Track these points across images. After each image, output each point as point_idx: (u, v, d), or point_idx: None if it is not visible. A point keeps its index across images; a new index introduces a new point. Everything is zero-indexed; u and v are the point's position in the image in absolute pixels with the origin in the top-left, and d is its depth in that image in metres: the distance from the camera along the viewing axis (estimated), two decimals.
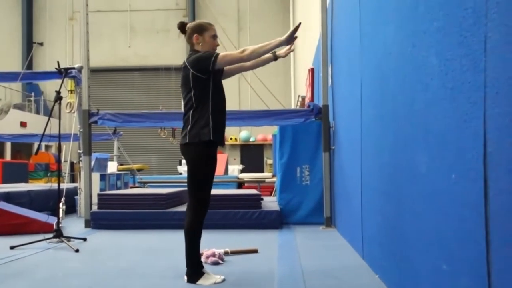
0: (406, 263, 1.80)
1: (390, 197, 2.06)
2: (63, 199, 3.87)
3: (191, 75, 2.24)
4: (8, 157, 11.47)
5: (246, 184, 8.59)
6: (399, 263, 1.92)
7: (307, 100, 6.04)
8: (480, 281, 1.13)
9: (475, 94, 1.17)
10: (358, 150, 2.85)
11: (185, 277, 2.26)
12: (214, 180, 2.38)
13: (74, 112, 5.04)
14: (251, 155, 13.36)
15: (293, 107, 10.11)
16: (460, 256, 1.27)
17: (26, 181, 8.61)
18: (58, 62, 4.39)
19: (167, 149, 12.80)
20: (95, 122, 4.59)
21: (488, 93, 1.10)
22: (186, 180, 2.31)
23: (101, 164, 6.60)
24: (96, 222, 4.30)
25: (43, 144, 10.44)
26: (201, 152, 2.22)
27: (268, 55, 2.41)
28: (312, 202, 4.46)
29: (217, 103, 2.28)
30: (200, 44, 2.32)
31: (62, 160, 7.08)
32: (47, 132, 3.45)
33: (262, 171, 12.00)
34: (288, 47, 2.39)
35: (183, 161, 10.30)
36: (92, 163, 5.31)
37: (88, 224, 4.34)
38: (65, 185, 4.84)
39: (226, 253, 2.83)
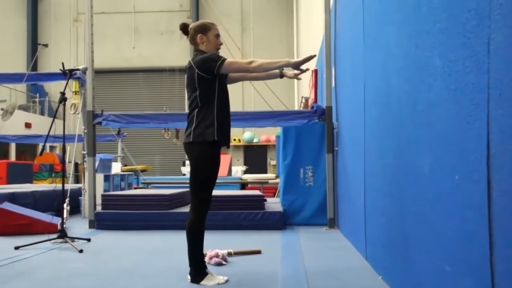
0: (409, 264, 1.80)
1: (393, 198, 2.06)
2: (67, 200, 3.89)
3: (197, 75, 2.25)
4: (12, 157, 11.55)
5: (249, 185, 8.59)
6: (402, 264, 1.91)
7: (310, 101, 6.04)
8: (483, 282, 1.12)
9: (478, 95, 1.17)
10: (361, 151, 2.85)
11: (189, 278, 2.27)
12: (218, 181, 2.38)
13: (78, 113, 5.07)
14: (255, 156, 13.37)
15: (296, 108, 10.10)
16: (463, 257, 1.26)
17: (31, 182, 8.66)
18: (62, 63, 4.42)
19: (171, 150, 12.83)
20: (99, 123, 4.62)
21: (491, 95, 1.10)
22: (189, 181, 2.32)
23: (105, 165, 6.63)
24: (100, 222, 4.32)
25: (48, 145, 10.51)
26: (205, 151, 2.23)
27: (275, 71, 2.43)
28: (315, 203, 4.45)
29: (222, 104, 2.29)
30: (205, 43, 2.33)
31: (67, 161, 7.12)
32: (51, 133, 3.47)
33: (265, 172, 12.00)
34: (296, 72, 2.41)
35: (187, 162, 10.32)
36: (96, 164, 5.34)
37: (92, 224, 4.36)
38: (69, 185, 4.87)
39: (229, 254, 2.84)
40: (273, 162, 11.74)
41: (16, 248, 3.21)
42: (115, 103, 13.03)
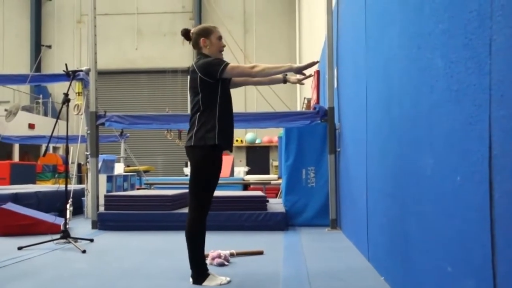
0: (411, 265, 1.80)
1: (395, 199, 2.06)
2: (70, 200, 3.91)
3: (199, 79, 2.26)
4: (16, 158, 11.61)
5: (251, 186, 8.60)
6: (404, 265, 1.91)
7: (312, 102, 6.04)
8: (485, 283, 1.12)
9: (480, 96, 1.17)
10: (363, 152, 2.85)
11: (191, 279, 2.27)
12: (220, 181, 2.39)
13: (81, 114, 5.09)
14: (257, 157, 13.37)
15: (299, 109, 10.10)
16: (465, 258, 1.26)
17: (34, 182, 8.70)
18: (66, 64, 4.45)
19: (173, 151, 12.86)
20: (102, 124, 4.64)
21: (493, 96, 1.10)
22: (189, 183, 2.33)
23: (108, 166, 6.66)
24: (102, 223, 4.34)
25: (51, 145, 10.56)
26: (206, 155, 2.24)
27: (279, 76, 2.44)
28: (317, 204, 4.45)
29: (224, 108, 2.29)
30: (208, 47, 2.34)
31: (70, 161, 7.15)
32: (55, 134, 3.49)
33: (267, 173, 12.00)
34: (299, 77, 2.41)
35: (189, 164, 10.32)
36: (99, 164, 5.36)
37: (95, 225, 4.38)
38: (72, 186, 4.89)
39: (231, 255, 2.84)
40: (276, 163, 11.74)
41: (19, 248, 3.23)
42: (118, 104, 13.07)
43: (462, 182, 1.28)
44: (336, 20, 4.25)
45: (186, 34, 2.41)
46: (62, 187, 4.02)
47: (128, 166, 9.28)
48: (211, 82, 2.26)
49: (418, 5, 1.70)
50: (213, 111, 2.25)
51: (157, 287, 2.28)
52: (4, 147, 11.25)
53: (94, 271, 2.61)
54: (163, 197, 4.45)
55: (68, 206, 3.81)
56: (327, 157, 4.36)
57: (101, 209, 4.52)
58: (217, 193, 2.39)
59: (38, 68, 13.16)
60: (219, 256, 2.69)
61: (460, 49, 1.29)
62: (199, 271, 2.25)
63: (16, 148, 11.83)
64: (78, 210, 5.41)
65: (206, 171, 2.25)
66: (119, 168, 7.83)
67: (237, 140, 13.11)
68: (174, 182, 8.58)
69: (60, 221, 3.88)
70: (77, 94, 5.00)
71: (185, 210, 4.51)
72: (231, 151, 2.42)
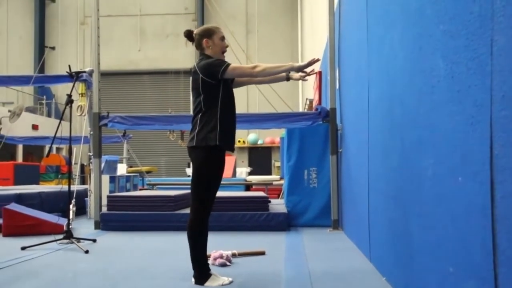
0: (413, 265, 1.80)
1: (397, 200, 2.06)
2: (73, 201, 3.93)
3: (201, 80, 2.27)
4: (20, 159, 11.67)
5: (254, 187, 8.60)
6: (406, 266, 1.91)
7: (314, 103, 6.04)
8: (486, 284, 1.12)
9: (481, 97, 1.17)
10: (365, 152, 2.85)
11: (193, 279, 2.28)
12: (222, 182, 2.39)
13: (84, 115, 5.12)
14: (259, 158, 13.37)
15: (300, 110, 10.10)
16: (466, 258, 1.26)
17: (37, 183, 8.74)
18: (69, 66, 4.47)
19: (176, 151, 12.88)
20: (105, 125, 4.66)
21: (494, 96, 1.10)
22: (190, 183, 2.33)
23: (111, 166, 6.68)
24: (105, 223, 4.35)
25: (54, 146, 10.59)
26: (208, 156, 2.24)
27: (281, 74, 2.45)
28: (319, 204, 4.45)
29: (226, 108, 2.30)
30: (210, 47, 2.35)
31: (73, 162, 7.18)
32: (58, 134, 3.51)
33: (270, 174, 12.01)
34: (302, 74, 2.43)
35: (191, 164, 10.34)
36: (102, 165, 5.39)
37: (97, 225, 4.39)
38: (76, 187, 4.92)
39: (233, 255, 2.85)
40: (278, 164, 11.74)
41: (23, 248, 3.25)
42: (121, 105, 13.12)
43: (463, 182, 1.29)
44: (338, 21, 4.26)
45: (189, 35, 2.42)
46: (65, 187, 4.04)
47: (131, 167, 9.31)
48: (213, 83, 2.27)
49: (419, 7, 1.71)
50: (214, 112, 2.26)
51: (159, 287, 2.28)
52: (8, 148, 11.30)
53: (97, 271, 2.62)
54: (165, 198, 4.46)
55: (71, 206, 3.83)
56: (329, 158, 4.37)
57: (104, 209, 4.54)
58: (220, 193, 2.39)
59: (41, 70, 13.24)
60: (221, 257, 2.70)
61: (462, 50, 1.30)
62: (201, 271, 2.25)
63: (20, 149, 11.89)
64: (81, 211, 5.43)
65: (207, 171, 2.26)
66: (122, 169, 7.86)
67: (239, 141, 13.13)
68: (177, 182, 8.60)
69: (63, 221, 3.90)
70: (80, 95, 5.03)
71: (188, 210, 4.53)
72: (232, 151, 2.42)
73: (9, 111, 8.98)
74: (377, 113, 2.54)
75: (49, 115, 13.61)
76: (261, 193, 5.04)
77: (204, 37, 2.36)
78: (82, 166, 10.28)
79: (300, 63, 2.30)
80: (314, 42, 7.86)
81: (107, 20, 12.78)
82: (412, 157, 1.82)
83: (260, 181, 8.67)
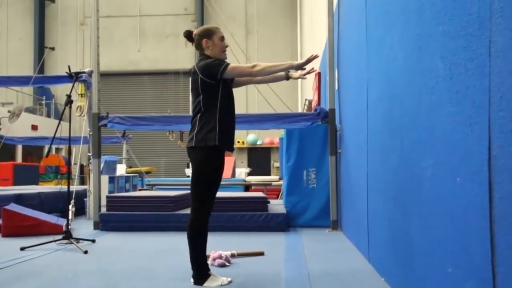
0: (412, 266, 1.80)
1: (396, 200, 2.06)
2: (72, 201, 3.93)
3: (200, 80, 2.28)
4: (19, 159, 11.66)
5: (253, 187, 8.61)
6: (404, 266, 1.91)
7: (313, 104, 6.05)
8: (485, 284, 1.13)
9: (479, 98, 1.18)
10: (364, 153, 2.86)
11: (192, 279, 2.28)
12: (221, 182, 2.39)
13: (84, 116, 5.12)
14: (258, 158, 13.38)
15: (300, 110, 10.11)
16: (465, 259, 1.27)
17: (37, 183, 8.74)
18: (69, 66, 4.48)
19: (175, 152, 12.88)
20: (105, 125, 4.66)
21: (492, 97, 1.11)
22: (190, 183, 2.34)
23: (110, 167, 6.68)
24: (104, 224, 4.35)
25: (54, 147, 10.59)
26: (207, 156, 2.25)
27: (281, 73, 2.45)
28: (318, 205, 4.46)
29: (225, 109, 2.30)
30: (210, 47, 2.35)
31: (72, 162, 7.18)
32: (57, 135, 3.51)
33: (269, 174, 12.01)
34: (301, 72, 2.43)
35: (191, 164, 10.33)
36: (102, 165, 5.38)
37: (97, 226, 4.39)
38: (75, 187, 4.92)
39: (232, 255, 2.85)
40: (277, 164, 11.74)
41: (22, 249, 3.25)
42: (121, 105, 13.12)
43: (462, 183, 1.29)
44: (337, 22, 4.27)
45: (188, 35, 2.43)
46: (64, 188, 4.04)
47: (130, 167, 9.30)
48: (212, 83, 2.27)
49: (418, 8, 1.71)
50: (213, 112, 2.26)
51: (158, 287, 2.28)
52: (8, 148, 11.29)
53: (96, 272, 2.62)
54: (165, 198, 4.46)
55: (70, 207, 3.83)
56: (328, 158, 4.37)
57: (103, 210, 4.54)
58: (219, 194, 2.39)
59: (41, 70, 13.23)
60: (220, 257, 2.70)
61: (460, 51, 1.30)
62: (200, 271, 2.25)
63: (19, 149, 11.88)
64: (80, 211, 5.43)
65: (207, 171, 2.26)
66: (121, 169, 7.86)
67: (238, 142, 13.13)
68: (176, 183, 8.60)
69: (62, 221, 3.90)
70: (80, 95, 5.03)
71: (187, 211, 4.55)
72: (232, 151, 2.43)
73: (9, 111, 8.97)
74: (376, 114, 2.54)
75: (48, 116, 13.61)
76: (260, 194, 5.05)
77: (203, 38, 2.36)
78: (82, 166, 10.27)
79: (299, 61, 2.31)
80: (313, 43, 7.87)
81: (106, 21, 12.78)
82: (411, 158, 1.83)
83: (259, 181, 8.68)
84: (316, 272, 2.50)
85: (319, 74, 5.84)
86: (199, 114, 2.28)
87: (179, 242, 3.60)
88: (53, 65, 14.21)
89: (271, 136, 13.01)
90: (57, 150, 12.59)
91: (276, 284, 2.28)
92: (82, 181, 10.08)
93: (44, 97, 13.67)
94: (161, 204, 4.40)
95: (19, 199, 4.73)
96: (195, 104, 2.32)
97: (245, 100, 12.87)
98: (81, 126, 5.55)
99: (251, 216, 4.20)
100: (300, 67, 2.32)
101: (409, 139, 1.85)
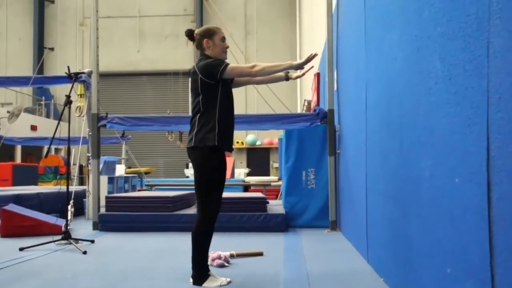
0: (411, 266, 1.80)
1: (395, 201, 2.07)
2: (71, 202, 3.92)
3: (200, 80, 2.28)
4: (18, 160, 11.64)
5: (252, 188, 8.61)
6: (403, 267, 1.92)
7: (313, 105, 6.05)
8: (483, 284, 1.13)
9: (478, 98, 1.18)
10: (363, 154, 2.86)
11: (191, 279, 2.28)
12: None
13: (83, 116, 5.11)
14: (257, 159, 13.38)
15: (299, 111, 10.11)
16: (464, 259, 1.27)
17: (36, 184, 8.73)
18: (68, 67, 4.47)
19: (174, 152, 12.88)
20: (104, 125, 4.66)
21: (491, 98, 1.11)
22: (192, 183, 2.34)
23: (110, 167, 6.68)
24: (104, 224, 4.35)
25: (53, 147, 10.58)
26: (206, 156, 2.25)
27: (280, 74, 2.45)
28: (317, 205, 4.46)
29: (224, 109, 2.30)
30: (211, 48, 2.36)
31: (71, 163, 7.18)
32: (57, 135, 3.51)
33: (268, 175, 12.01)
34: (300, 72, 2.44)
35: (190, 165, 10.35)
36: (101, 166, 5.38)
37: (96, 226, 4.39)
38: (74, 187, 4.91)
39: (231, 256, 2.85)
40: (276, 165, 11.74)
41: (21, 249, 3.24)
42: (120, 106, 13.11)
43: (461, 183, 1.29)
44: (336, 23, 4.27)
45: (190, 34, 2.43)
46: (63, 188, 4.04)
47: (129, 168, 9.30)
48: (212, 83, 2.27)
49: (417, 9, 1.72)
50: (213, 112, 2.27)
51: (158, 287, 2.29)
52: (7, 148, 11.28)
53: (95, 272, 2.62)
54: (164, 199, 4.46)
55: (69, 207, 3.82)
56: (327, 159, 4.37)
57: (102, 210, 4.54)
58: None
59: (40, 71, 13.22)
60: (219, 257, 2.70)
61: (459, 52, 1.30)
62: (200, 271, 2.25)
63: (19, 149, 11.87)
64: (80, 212, 5.42)
65: (206, 172, 2.27)
66: (120, 170, 7.85)
67: (237, 142, 13.13)
68: (175, 183, 8.59)
69: (61, 222, 3.90)
70: (79, 96, 5.03)
71: (186, 211, 4.56)
72: (231, 152, 2.43)
73: (8, 111, 8.96)
74: (375, 114, 2.55)
75: (48, 116, 13.59)
76: (259, 194, 5.04)
77: (204, 37, 2.36)
78: (81, 167, 10.25)
79: (299, 61, 2.31)
80: (312, 43, 7.87)
81: (106, 21, 12.78)
82: (410, 158, 1.83)
83: (258, 182, 8.67)
84: (315, 272, 2.50)
85: (318, 74, 5.85)
86: (199, 115, 2.29)
87: (178, 242, 3.61)
88: (52, 66, 14.20)
89: (270, 137, 13.01)
90: (57, 150, 12.58)
91: (275, 284, 2.28)
92: (81, 182, 10.07)
93: (43, 98, 13.66)
94: (160, 205, 4.40)
95: (18, 199, 4.73)
96: (194, 104, 2.32)
97: (244, 100, 12.87)
98: (81, 127, 5.54)
99: (250, 216, 4.20)
100: (300, 66, 2.33)
101: (408, 140, 1.85)
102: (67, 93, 3.62)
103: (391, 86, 2.15)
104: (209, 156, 2.25)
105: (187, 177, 10.32)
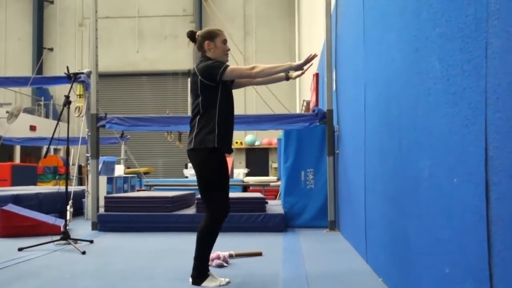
0: (409, 266, 1.81)
1: (393, 201, 2.07)
2: (70, 202, 3.92)
3: (200, 82, 2.28)
4: (17, 160, 11.63)
5: (251, 188, 8.60)
6: (402, 266, 1.92)
7: (311, 105, 6.06)
8: (482, 284, 1.13)
9: (476, 99, 1.19)
10: (362, 154, 2.86)
11: (190, 279, 2.28)
12: None
13: (82, 116, 5.11)
14: (256, 159, 13.39)
15: (298, 111, 10.12)
16: (462, 259, 1.27)
17: (35, 184, 8.72)
18: (67, 67, 4.47)
19: (173, 152, 12.87)
20: (103, 126, 4.65)
21: (489, 98, 1.12)
22: (191, 183, 2.35)
23: (109, 167, 6.68)
24: (103, 224, 4.35)
25: (52, 147, 10.57)
26: (206, 158, 2.25)
27: (281, 74, 2.47)
28: (316, 205, 4.47)
29: (224, 111, 2.30)
30: (212, 50, 2.36)
31: (70, 163, 7.17)
32: (56, 135, 3.51)
33: (267, 175, 12.02)
34: (299, 72, 2.45)
35: (189, 165, 10.35)
36: (100, 166, 5.37)
37: (95, 226, 4.39)
38: (73, 188, 4.91)
39: (230, 256, 2.85)
40: (275, 165, 11.75)
41: (20, 249, 3.24)
42: (119, 106, 13.10)
43: (459, 184, 1.30)
44: (335, 23, 4.28)
45: (191, 36, 2.43)
46: (62, 188, 4.03)
47: (129, 168, 9.30)
48: (212, 85, 2.28)
49: (416, 9, 1.72)
50: (212, 114, 2.27)
51: (157, 287, 2.29)
52: (6, 148, 11.26)
53: (94, 272, 2.61)
54: (163, 199, 4.46)
55: (68, 207, 3.82)
56: (326, 159, 4.38)
57: (101, 210, 4.53)
58: None
59: (40, 71, 13.21)
60: (218, 257, 2.70)
61: (457, 52, 1.31)
62: (200, 271, 2.26)
63: (18, 149, 11.85)
64: (79, 212, 5.42)
65: (207, 173, 2.27)
66: (119, 170, 7.84)
67: (236, 142, 13.14)
68: (174, 183, 8.58)
69: (60, 222, 3.89)
70: (78, 96, 5.03)
71: (186, 211, 4.55)
72: (230, 153, 2.44)
73: (7, 112, 8.95)
74: (374, 115, 2.55)
75: (47, 116, 13.58)
76: (258, 194, 5.05)
77: (206, 39, 2.37)
78: (80, 167, 10.24)
79: (298, 62, 2.33)
80: (311, 44, 7.88)
81: (105, 22, 12.78)
82: (408, 158, 1.83)
83: (257, 182, 8.68)
84: (314, 272, 2.51)
85: (317, 75, 5.86)
86: (198, 116, 2.29)
87: (177, 242, 3.61)
88: (51, 66, 14.19)
89: (269, 137, 13.02)
90: (56, 150, 12.57)
91: (274, 284, 2.28)
92: (80, 182, 10.05)
93: (42, 98, 13.64)
94: (159, 205, 4.39)
95: (17, 199, 4.72)
96: (194, 105, 2.33)
97: (243, 101, 12.88)
98: (80, 127, 5.54)
99: (249, 216, 4.20)
100: (299, 68, 2.35)
101: (407, 140, 1.85)
102: (66, 94, 3.62)
103: (389, 86, 2.16)
104: (209, 158, 2.26)
105: (186, 177, 10.32)
